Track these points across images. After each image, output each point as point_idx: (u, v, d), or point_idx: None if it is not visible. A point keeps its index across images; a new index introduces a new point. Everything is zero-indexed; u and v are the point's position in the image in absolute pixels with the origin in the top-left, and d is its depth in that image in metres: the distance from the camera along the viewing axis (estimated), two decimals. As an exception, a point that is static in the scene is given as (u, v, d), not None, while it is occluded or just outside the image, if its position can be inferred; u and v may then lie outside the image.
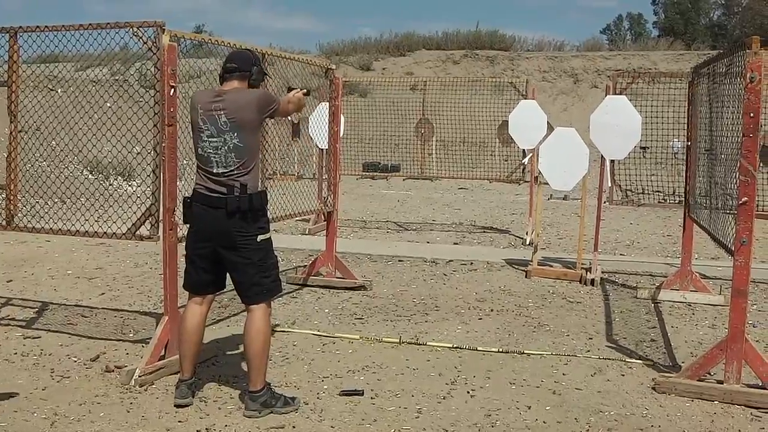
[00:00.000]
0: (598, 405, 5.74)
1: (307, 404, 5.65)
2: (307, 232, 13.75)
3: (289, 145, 20.90)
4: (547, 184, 10.31)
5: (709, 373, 6.12)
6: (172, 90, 6.13)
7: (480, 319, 8.20)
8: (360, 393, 5.90)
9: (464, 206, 18.46)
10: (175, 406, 5.52)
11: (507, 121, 13.20)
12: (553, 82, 34.16)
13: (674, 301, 9.01)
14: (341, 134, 12.42)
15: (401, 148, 20.47)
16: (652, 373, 6.43)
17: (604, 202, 10.34)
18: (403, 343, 7.21)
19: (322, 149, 11.21)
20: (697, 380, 5.99)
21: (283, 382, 6.05)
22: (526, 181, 15.08)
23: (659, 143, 10.75)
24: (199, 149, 5.49)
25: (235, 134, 5.40)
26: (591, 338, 7.54)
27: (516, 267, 10.86)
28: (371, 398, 5.83)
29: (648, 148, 11.10)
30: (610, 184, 10.02)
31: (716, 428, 5.41)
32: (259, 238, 5.50)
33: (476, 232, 14.41)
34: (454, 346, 7.14)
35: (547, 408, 5.70)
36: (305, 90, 6.15)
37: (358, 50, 38.50)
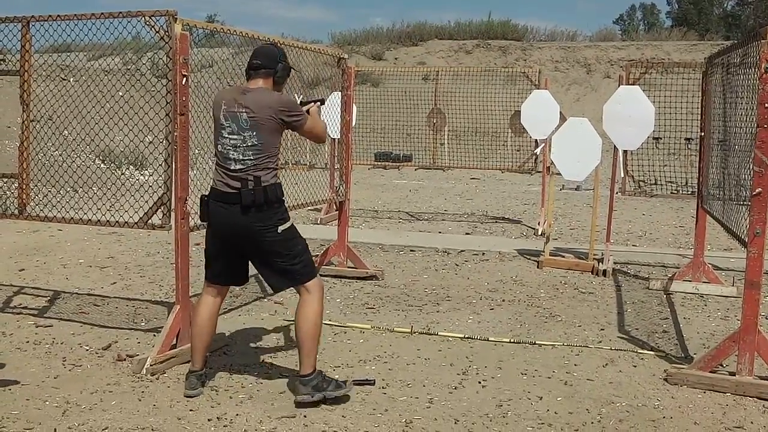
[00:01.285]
0: (609, 396, 5.73)
1: (318, 394, 5.66)
2: (318, 222, 13.74)
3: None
4: (560, 174, 10.28)
5: (722, 365, 6.10)
6: (184, 79, 6.12)
7: (491, 309, 8.19)
8: (371, 382, 5.90)
9: (476, 196, 18.42)
10: (185, 396, 5.54)
11: (519, 111, 13.16)
12: (566, 72, 34.01)
13: (686, 293, 8.98)
14: (353, 124, 12.44)
15: (413, 138, 20.48)
16: (664, 365, 6.41)
17: (617, 193, 10.30)
18: (414, 332, 7.21)
19: (334, 139, 11.18)
20: (710, 372, 5.97)
21: (293, 372, 6.04)
22: (538, 172, 15.07)
23: (672, 134, 10.73)
24: (219, 146, 5.50)
25: (255, 133, 5.40)
26: (603, 329, 7.52)
27: (528, 257, 10.84)
28: (382, 388, 5.83)
29: (661, 138, 11.08)
30: (622, 175, 9.98)
31: (728, 420, 5.38)
32: (280, 228, 5.48)
33: (488, 222, 14.38)
34: (466, 336, 7.13)
35: (559, 399, 5.69)
36: (320, 100, 6.16)
37: (370, 40, 38.40)
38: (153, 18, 6.27)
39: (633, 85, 9.97)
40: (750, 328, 5.82)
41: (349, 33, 39.88)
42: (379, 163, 21.47)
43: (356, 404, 5.49)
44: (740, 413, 5.52)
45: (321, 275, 9.19)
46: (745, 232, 5.95)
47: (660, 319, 7.93)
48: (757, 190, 5.69)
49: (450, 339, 7.08)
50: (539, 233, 12.49)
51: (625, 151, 10.01)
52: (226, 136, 5.44)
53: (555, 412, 5.44)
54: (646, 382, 6.06)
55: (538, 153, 13.67)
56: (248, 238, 5.46)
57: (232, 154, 5.42)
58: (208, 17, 60.43)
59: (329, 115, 10.02)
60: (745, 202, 6.10)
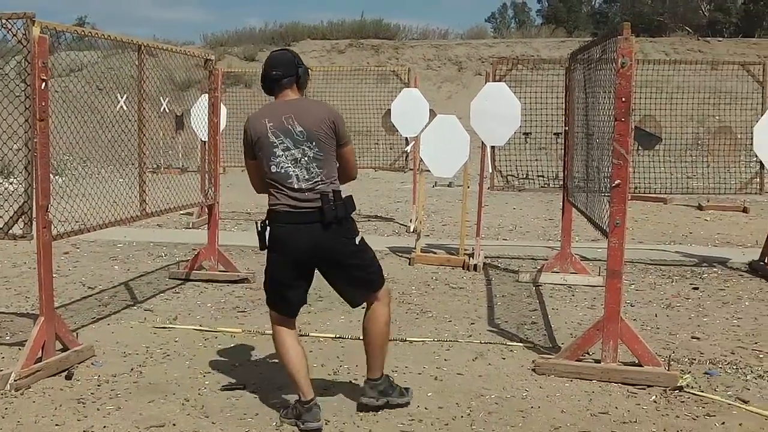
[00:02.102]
0: (479, 389, 5.80)
1: (188, 401, 5.58)
2: (191, 226, 13.58)
3: (173, 137, 20.65)
4: (429, 171, 10.37)
5: (588, 353, 6.25)
6: (44, 84, 5.96)
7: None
8: (242, 387, 5.86)
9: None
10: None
11: (391, 110, 13.24)
12: (438, 70, 34.28)
13: (555, 284, 9.17)
14: (223, 126, 12.32)
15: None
16: (533, 356, 6.53)
17: (487, 188, 10.45)
18: (286, 334, 7.16)
19: (205, 142, 11.06)
20: (576, 360, 6.10)
21: (164, 380, 5.97)
22: (410, 169, 15.17)
23: (542, 129, 10.91)
24: (273, 166, 5.10)
25: (313, 143, 5.09)
26: (473, 323, 7.62)
27: (400, 255, 10.91)
28: (253, 392, 5.78)
29: (530, 133, 11.26)
30: (491, 170, 10.13)
31: (594, 406, 5.52)
32: (357, 240, 5.33)
33: (361, 220, 14.36)
34: (337, 336, 7.14)
35: (429, 394, 5.73)
36: None
37: (243, 41, 38.02)
38: (10, 21, 6.07)
39: (500, 81, 10.13)
40: (613, 316, 5.97)
41: (222, 34, 39.41)
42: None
43: (227, 410, 5.44)
44: (606, 399, 5.66)
45: (192, 280, 9.19)
46: (606, 222, 6.09)
47: (529, 311, 8.08)
48: (616, 182, 5.84)
49: (321, 339, 7.08)
50: (411, 230, 12.58)
51: (493, 147, 10.15)
52: (281, 153, 5.08)
53: (425, 408, 5.48)
54: (514, 374, 6.16)
55: (408, 151, 13.78)
56: (329, 255, 5.19)
57: (293, 171, 5.07)
58: (78, 19, 59.05)
59: (199, 117, 9.92)
60: (606, 194, 6.25)
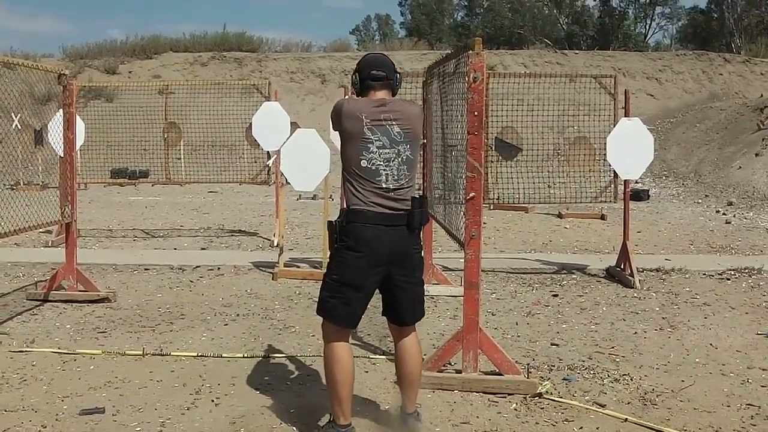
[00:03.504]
0: (341, 404, 5.79)
1: (45, 427, 5.40)
2: (50, 245, 13.23)
3: (32, 152, 20.15)
4: (290, 184, 10.35)
5: (450, 364, 6.31)
6: None
7: (226, 324, 8.13)
8: (101, 411, 5.71)
9: (213, 210, 18.29)
10: None
11: (252, 124, 13.19)
12: (301, 82, 34.36)
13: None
14: (81, 141, 12.07)
15: (150, 153, 20.03)
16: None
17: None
18: (146, 354, 7.02)
19: (62, 158, 10.80)
20: (437, 371, 6.15)
21: (20, 406, 5.77)
22: (273, 183, 15.11)
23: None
24: (364, 161, 4.99)
25: (408, 146, 5.07)
26: (336, 337, 7.62)
27: (263, 269, 10.84)
28: (113, 415, 5.65)
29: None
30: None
31: (455, 417, 5.58)
32: (422, 252, 5.25)
33: (224, 236, 14.29)
34: (199, 354, 7.03)
35: (291, 411, 5.69)
36: None
37: (104, 53, 37.36)
38: None
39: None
40: (472, 327, 6.05)
41: (82, 46, 38.68)
42: (116, 181, 20.96)
43: (85, 435, 5.32)
44: (467, 409, 5.74)
45: (50, 301, 8.95)
46: (463, 234, 6.17)
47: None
48: (470, 195, 5.92)
49: (183, 359, 6.95)
50: (275, 245, 12.53)
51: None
52: (375, 150, 4.99)
53: (289, 424, 5.45)
54: (377, 386, 6.19)
55: (270, 164, 13.73)
56: (406, 262, 5.13)
57: (384, 170, 5.00)
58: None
59: (56, 132, 9.69)
60: (462, 205, 6.33)
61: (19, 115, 17.38)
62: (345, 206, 5.11)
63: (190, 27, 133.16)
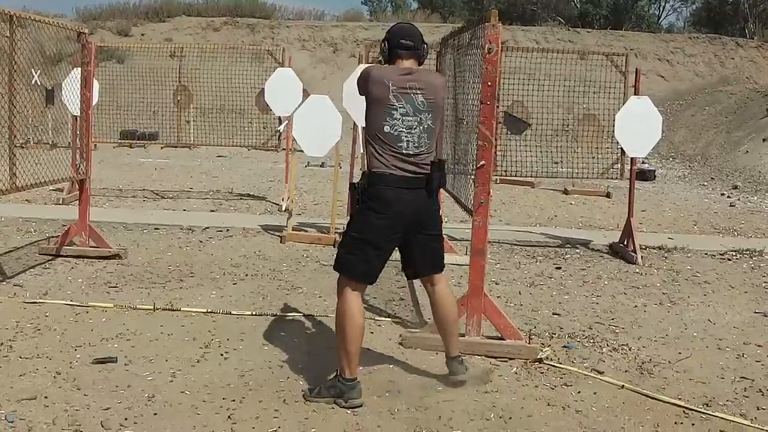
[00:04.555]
0: (347, 362, 5.95)
1: (60, 374, 5.57)
2: (61, 202, 13.37)
3: (42, 112, 20.24)
4: (302, 151, 10.46)
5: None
6: None
7: (234, 284, 8.28)
8: (114, 360, 5.88)
9: (222, 174, 18.40)
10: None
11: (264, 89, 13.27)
12: (313, 51, 34.34)
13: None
14: (95, 101, 12.18)
15: (159, 116, 20.15)
16: (400, 330, 6.74)
17: (360, 169, 10.59)
18: (157, 309, 7.19)
19: (75, 116, 10.92)
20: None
21: (35, 354, 5.93)
22: (283, 149, 15.23)
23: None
24: (387, 127, 5.22)
25: (430, 115, 5.31)
26: (343, 299, 7.77)
27: (271, 233, 10.99)
28: (125, 365, 5.82)
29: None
30: (362, 151, 10.26)
31: (457, 377, 5.74)
32: (440, 211, 5.62)
33: (233, 199, 14.43)
34: (209, 310, 7.20)
35: (299, 366, 5.87)
36: None
37: (116, 15, 37.28)
38: None
39: (372, 63, 10.26)
40: (476, 292, 6.21)
41: (95, 7, 38.64)
42: (125, 142, 21.08)
43: (99, 382, 5.46)
44: (470, 368, 5.87)
45: (62, 256, 9.10)
46: (471, 202, 6.31)
47: (397, 288, 8.27)
48: (481, 163, 6.06)
49: (193, 314, 7.12)
50: (283, 209, 12.66)
51: (364, 128, 10.28)
52: (399, 117, 5.23)
53: (294, 379, 5.62)
54: (382, 347, 6.35)
55: (281, 130, 13.85)
56: (425, 221, 5.45)
57: (405, 137, 5.24)
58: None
59: (71, 91, 9.80)
60: (472, 174, 6.47)
61: (38, 71, 17.45)
62: (367, 169, 5.34)
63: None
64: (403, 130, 5.23)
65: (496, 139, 15.51)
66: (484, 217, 6.10)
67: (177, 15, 37.09)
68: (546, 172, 14.27)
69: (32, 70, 16.91)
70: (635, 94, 10.66)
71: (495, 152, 15.02)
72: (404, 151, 5.24)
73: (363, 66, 9.98)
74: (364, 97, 5.36)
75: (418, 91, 5.27)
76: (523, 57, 13.98)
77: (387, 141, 5.23)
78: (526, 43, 31.60)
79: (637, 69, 11.12)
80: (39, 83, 18.20)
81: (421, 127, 5.28)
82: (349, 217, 5.48)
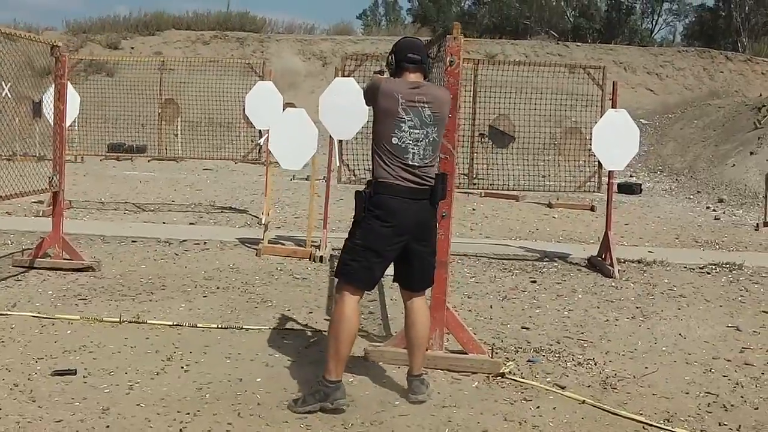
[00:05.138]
0: (306, 375, 5.89)
1: (17, 386, 5.54)
2: (41, 214, 13.33)
3: (30, 124, 20.23)
4: (278, 163, 10.45)
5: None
6: None
7: (205, 296, 8.25)
8: (73, 372, 5.84)
9: (207, 187, 18.35)
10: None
11: (249, 103, 13.27)
12: (303, 64, 34.43)
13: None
14: (76, 113, 12.20)
15: (147, 129, 20.22)
16: (365, 343, 6.68)
17: (338, 182, 10.59)
18: (123, 322, 7.15)
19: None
20: (403, 348, 6.25)
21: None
22: (262, 163, 15.22)
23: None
24: (395, 138, 5.34)
25: (436, 129, 5.45)
26: (311, 312, 7.75)
27: (248, 246, 10.96)
28: (84, 377, 5.78)
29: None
30: (338, 164, 10.27)
31: (418, 392, 5.70)
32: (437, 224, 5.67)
33: (214, 212, 14.39)
34: (174, 323, 7.16)
35: (258, 380, 5.83)
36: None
37: (106, 28, 37.31)
38: None
39: (348, 77, 10.28)
40: (439, 305, 6.19)
41: (85, 21, 38.61)
42: (112, 155, 21.09)
43: (55, 394, 5.42)
44: (431, 385, 5.83)
45: (36, 268, 9.06)
46: (435, 215, 6.29)
47: (367, 301, 8.22)
48: (442, 175, 6.04)
49: (159, 327, 7.08)
50: (263, 222, 12.64)
51: (340, 141, 10.29)
52: (406, 129, 5.35)
53: (252, 393, 5.58)
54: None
55: (261, 143, 13.83)
56: (426, 232, 5.56)
57: (412, 149, 5.35)
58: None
59: (50, 104, 9.79)
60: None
61: (9, 83, 17.42)
62: (372, 178, 5.44)
63: (194, 5, 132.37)
64: (410, 142, 5.36)
65: (476, 155, 15.59)
66: (447, 230, 6.08)
67: (167, 28, 37.15)
68: (529, 185, 14.27)
69: (2, 83, 16.92)
70: (613, 107, 10.66)
71: (472, 166, 15.07)
72: (410, 163, 5.35)
73: (340, 79, 10.04)
74: (371, 107, 5.51)
75: (426, 105, 5.40)
76: (506, 71, 13.99)
77: (394, 152, 5.35)
78: (515, 57, 31.70)
79: (614, 82, 11.13)
80: (10, 95, 18.17)
81: (427, 140, 5.40)
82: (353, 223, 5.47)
